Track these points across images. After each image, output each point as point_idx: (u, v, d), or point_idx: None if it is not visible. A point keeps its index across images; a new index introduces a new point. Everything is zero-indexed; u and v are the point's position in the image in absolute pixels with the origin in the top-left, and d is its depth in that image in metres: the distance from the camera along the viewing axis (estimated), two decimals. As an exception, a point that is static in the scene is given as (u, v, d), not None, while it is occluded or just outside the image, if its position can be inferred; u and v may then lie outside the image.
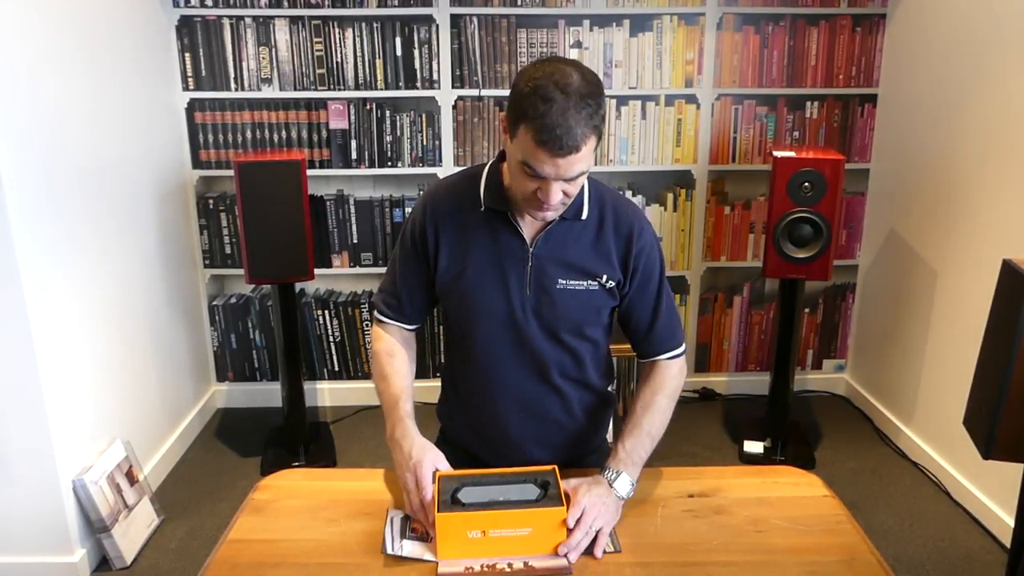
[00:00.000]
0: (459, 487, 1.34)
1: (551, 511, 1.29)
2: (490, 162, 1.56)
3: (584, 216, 1.52)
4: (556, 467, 1.38)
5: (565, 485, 1.37)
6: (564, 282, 1.52)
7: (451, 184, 1.59)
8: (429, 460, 1.41)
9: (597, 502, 1.36)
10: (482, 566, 1.27)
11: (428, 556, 1.30)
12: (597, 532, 1.34)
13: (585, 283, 1.52)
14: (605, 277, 1.53)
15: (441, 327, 3.35)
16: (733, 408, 3.46)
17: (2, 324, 2.11)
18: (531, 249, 1.51)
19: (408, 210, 3.26)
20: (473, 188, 1.54)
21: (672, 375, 1.59)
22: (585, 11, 3.13)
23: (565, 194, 1.39)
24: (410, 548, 1.32)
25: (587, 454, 1.67)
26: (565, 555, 1.30)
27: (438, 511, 1.28)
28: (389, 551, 1.31)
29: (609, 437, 1.80)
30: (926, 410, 2.97)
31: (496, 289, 1.52)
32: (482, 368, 1.58)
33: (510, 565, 1.28)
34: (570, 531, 1.31)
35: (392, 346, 1.61)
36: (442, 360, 3.07)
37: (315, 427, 3.22)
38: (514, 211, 1.50)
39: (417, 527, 1.36)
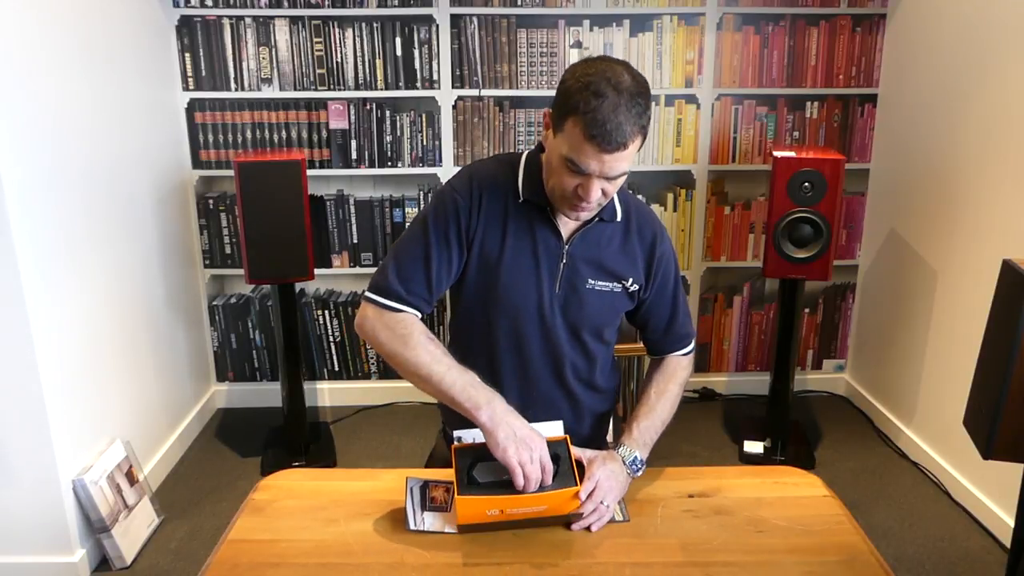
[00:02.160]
0: (473, 462, 1.36)
1: (565, 492, 1.32)
2: (526, 152, 1.54)
3: (619, 218, 1.54)
4: (568, 437, 1.41)
5: (579, 454, 1.41)
6: (593, 282, 1.52)
7: (491, 167, 1.55)
8: (542, 441, 1.37)
9: (610, 477, 1.39)
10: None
11: (448, 528, 1.34)
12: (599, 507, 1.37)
13: (611, 285, 1.54)
14: (631, 280, 1.55)
15: (448, 322, 3.36)
16: (733, 408, 3.46)
17: (2, 324, 2.11)
18: (566, 247, 1.51)
19: (408, 210, 3.26)
20: (511, 176, 1.52)
21: (683, 366, 1.65)
22: (585, 11, 3.13)
23: (604, 193, 1.40)
24: (431, 522, 1.36)
25: None
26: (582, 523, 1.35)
27: (458, 493, 1.31)
28: (412, 527, 1.35)
29: (609, 438, 1.80)
30: (926, 410, 2.97)
31: (528, 283, 1.51)
32: (499, 362, 1.57)
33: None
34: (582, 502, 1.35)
35: (425, 329, 1.47)
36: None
37: (315, 427, 3.22)
38: (553, 207, 1.49)
39: (436, 497, 1.40)
